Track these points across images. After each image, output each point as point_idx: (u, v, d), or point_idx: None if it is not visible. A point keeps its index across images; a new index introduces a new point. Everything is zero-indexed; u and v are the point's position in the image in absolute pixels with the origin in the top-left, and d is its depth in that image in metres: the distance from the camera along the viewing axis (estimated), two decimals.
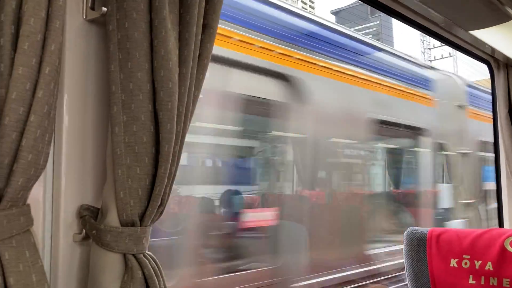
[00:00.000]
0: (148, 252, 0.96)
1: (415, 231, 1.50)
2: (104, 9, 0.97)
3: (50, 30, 0.82)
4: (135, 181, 0.93)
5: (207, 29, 1.07)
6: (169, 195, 0.99)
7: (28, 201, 0.84)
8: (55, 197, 0.96)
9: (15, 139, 0.78)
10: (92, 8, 1.00)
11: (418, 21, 2.03)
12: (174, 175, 1.00)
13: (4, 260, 0.77)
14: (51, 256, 0.95)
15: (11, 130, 0.77)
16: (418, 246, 1.47)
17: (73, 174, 0.98)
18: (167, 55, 0.95)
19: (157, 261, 0.97)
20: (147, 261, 0.93)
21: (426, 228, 1.51)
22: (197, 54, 1.04)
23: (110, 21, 0.96)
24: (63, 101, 0.97)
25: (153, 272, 0.93)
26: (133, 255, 0.92)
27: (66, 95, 0.97)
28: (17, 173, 0.78)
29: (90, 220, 0.95)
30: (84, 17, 1.01)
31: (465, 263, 1.40)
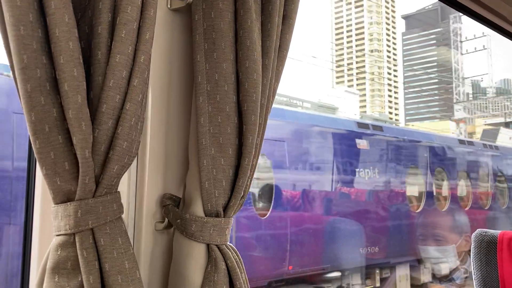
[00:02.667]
0: (230, 244, 0.96)
1: (484, 233, 1.45)
2: None
3: (145, 18, 0.82)
4: (220, 172, 0.92)
5: (287, 19, 1.06)
6: (249, 187, 0.99)
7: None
8: (139, 185, 0.97)
9: (111, 126, 0.79)
10: None
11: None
12: (255, 167, 0.99)
13: (100, 246, 0.78)
14: (133, 244, 0.96)
15: (107, 118, 0.78)
16: (488, 249, 1.42)
17: (157, 163, 0.98)
18: (252, 46, 0.94)
19: (238, 253, 0.96)
20: (230, 253, 0.93)
21: (496, 230, 1.45)
22: (278, 46, 1.03)
23: (196, 11, 0.96)
24: (148, 90, 0.97)
25: (236, 264, 0.92)
26: (216, 245, 0.92)
27: (151, 85, 0.98)
28: (113, 160, 0.79)
29: (173, 209, 0.95)
30: (169, 6, 1.01)
31: None
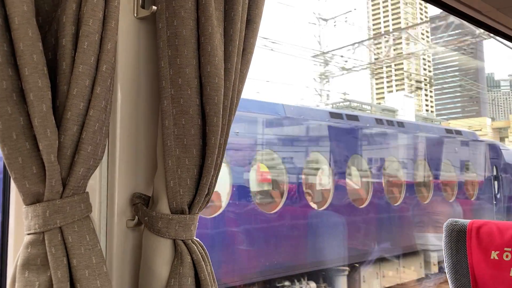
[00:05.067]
0: (196, 239, 1.01)
1: (455, 223, 1.50)
2: (154, 7, 1.02)
3: (106, 30, 0.88)
4: (184, 171, 0.98)
5: (251, 24, 1.11)
6: (215, 185, 1.04)
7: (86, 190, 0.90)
8: (110, 185, 1.03)
9: (76, 132, 0.84)
10: (143, 7, 1.06)
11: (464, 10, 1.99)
12: (220, 166, 1.04)
13: (68, 243, 0.84)
14: (106, 241, 1.02)
15: (72, 124, 0.84)
16: (458, 238, 1.47)
17: (126, 164, 1.04)
18: (213, 51, 0.99)
19: (204, 247, 1.02)
20: (195, 247, 0.99)
21: (466, 220, 1.50)
22: (241, 49, 1.08)
23: (160, 19, 1.01)
24: (117, 96, 1.03)
25: (201, 257, 0.98)
26: (182, 241, 0.98)
27: (120, 90, 1.03)
28: (78, 163, 0.85)
29: (142, 207, 1.01)
30: (135, 15, 1.06)
31: (507, 256, 1.39)
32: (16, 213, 0.95)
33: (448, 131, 10.13)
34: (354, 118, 7.45)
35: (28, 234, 0.84)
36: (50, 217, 0.83)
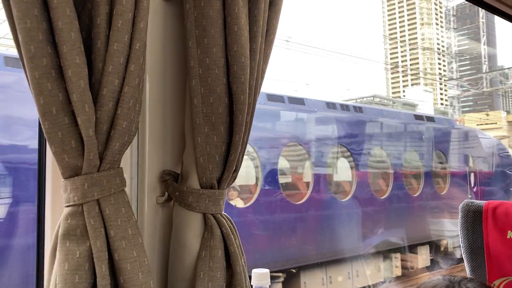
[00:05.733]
0: (225, 213, 1.05)
1: (471, 204, 1.52)
2: None
3: (139, 9, 0.91)
4: (213, 148, 1.01)
5: (273, 6, 1.14)
6: (241, 161, 1.07)
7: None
8: (140, 162, 1.06)
9: (112, 108, 0.88)
10: None
11: None
12: (246, 143, 1.08)
13: (105, 215, 0.87)
14: (137, 216, 1.05)
15: (108, 100, 0.87)
16: (474, 218, 1.50)
17: (156, 142, 1.08)
18: (240, 31, 1.01)
19: (233, 221, 1.05)
20: (224, 221, 1.02)
21: (482, 201, 1.53)
22: (265, 30, 1.10)
23: (187, 1, 1.04)
24: (146, 75, 1.06)
25: (230, 231, 1.02)
26: (212, 214, 1.01)
27: (148, 70, 1.06)
28: (114, 138, 0.88)
29: (172, 183, 1.05)
30: None
31: None
32: (53, 187, 0.98)
33: (418, 117, 9.24)
34: (300, 102, 7.05)
35: (67, 206, 0.87)
36: (88, 190, 0.86)
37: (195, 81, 1.02)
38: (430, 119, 9.50)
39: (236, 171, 1.07)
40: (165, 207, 1.08)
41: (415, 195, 8.32)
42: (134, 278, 0.86)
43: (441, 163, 9.33)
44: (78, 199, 0.86)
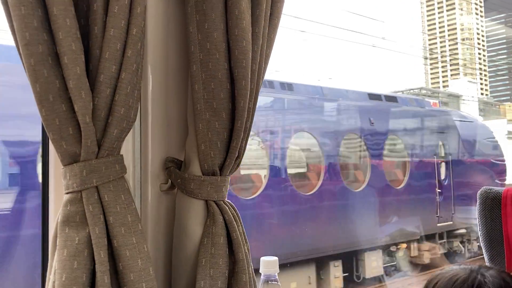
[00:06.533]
0: (227, 200, 1.03)
1: (489, 191, 1.46)
2: None
3: None
4: (215, 135, 1.00)
5: None
6: (245, 148, 1.06)
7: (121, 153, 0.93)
8: (143, 150, 1.06)
9: (109, 94, 0.87)
10: None
11: None
12: (249, 129, 1.06)
13: (105, 202, 0.87)
14: (141, 203, 1.05)
15: (105, 86, 0.86)
16: (492, 206, 1.44)
17: (158, 129, 1.07)
18: (240, 15, 0.99)
19: (236, 208, 1.04)
20: (227, 208, 1.01)
21: (500, 188, 1.47)
22: (269, 14, 1.08)
23: None
24: (147, 61, 1.05)
25: (232, 217, 1.00)
26: (214, 201, 1.00)
27: (150, 55, 1.05)
28: (112, 125, 0.88)
29: (175, 170, 1.04)
30: None
31: None
32: (55, 174, 0.99)
33: (374, 96, 7.90)
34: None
35: (67, 193, 0.87)
36: (87, 177, 0.86)
37: (196, 67, 1.00)
38: (391, 99, 8.27)
39: (239, 157, 1.05)
40: (169, 194, 1.08)
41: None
42: (133, 265, 0.86)
43: (392, 151, 8.07)
44: (77, 186, 0.86)
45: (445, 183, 8.63)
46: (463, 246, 9.42)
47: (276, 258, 1.22)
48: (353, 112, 7.61)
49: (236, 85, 1.00)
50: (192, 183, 1.00)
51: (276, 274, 1.22)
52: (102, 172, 0.88)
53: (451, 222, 8.86)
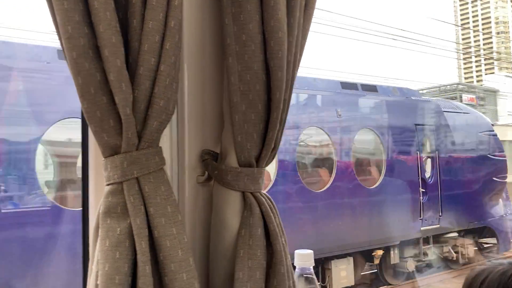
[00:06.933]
0: (264, 192, 1.03)
1: None
2: None
3: None
4: (251, 126, 1.00)
5: None
6: (280, 139, 1.05)
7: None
8: (180, 142, 1.07)
9: (149, 86, 0.88)
10: None
11: None
12: (285, 121, 1.05)
13: (145, 193, 0.88)
14: (178, 195, 1.06)
15: (145, 79, 0.87)
16: None
17: (195, 121, 1.08)
18: (276, 5, 0.99)
19: (272, 200, 1.04)
20: (264, 199, 1.01)
21: None
22: (304, 4, 1.07)
23: None
24: (183, 54, 1.06)
25: (269, 209, 1.00)
26: (251, 193, 1.00)
27: (186, 48, 1.06)
28: (152, 117, 0.88)
29: (212, 162, 1.05)
30: None
31: None
32: (95, 166, 1.01)
33: (348, 85, 7.29)
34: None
35: (108, 184, 0.89)
36: (128, 168, 0.87)
37: (231, 59, 1.00)
38: (369, 88, 7.55)
39: (275, 149, 1.05)
40: (206, 186, 1.09)
41: None
42: (173, 255, 0.87)
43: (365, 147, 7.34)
44: (118, 177, 0.87)
45: (431, 182, 7.83)
46: (456, 252, 8.42)
47: (311, 251, 1.22)
48: (315, 102, 6.99)
49: (271, 76, 1.00)
50: (229, 175, 1.00)
51: (311, 267, 1.22)
52: (143, 163, 0.89)
53: (438, 225, 7.92)
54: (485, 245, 9.38)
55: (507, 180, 9.00)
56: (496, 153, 8.82)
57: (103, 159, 0.89)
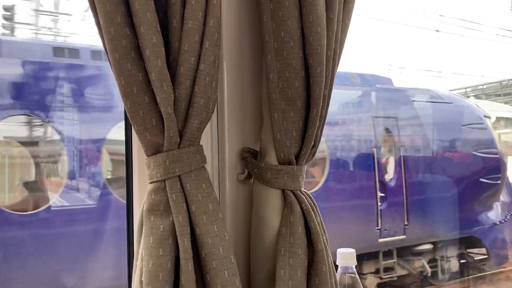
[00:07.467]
0: (304, 190, 1.02)
1: None
2: None
3: None
4: (290, 124, 0.99)
5: None
6: (320, 137, 1.04)
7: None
8: (220, 140, 1.08)
9: (189, 86, 0.89)
10: None
11: None
12: (325, 117, 1.04)
13: (187, 191, 0.89)
14: (219, 193, 1.07)
15: (185, 78, 0.88)
16: None
17: (234, 119, 1.08)
18: (314, 1, 0.97)
19: (313, 198, 1.03)
20: (304, 197, 1.00)
21: None
22: None
23: None
24: (222, 52, 1.06)
25: (310, 207, 0.99)
26: (291, 191, 1.00)
27: (224, 47, 1.06)
28: (193, 116, 0.89)
29: (251, 160, 1.05)
30: None
31: None
32: (138, 165, 1.03)
33: None
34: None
35: (151, 182, 0.90)
36: (170, 166, 0.89)
37: (270, 56, 1.00)
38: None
39: (315, 146, 1.04)
40: (245, 184, 1.09)
41: None
42: (215, 252, 0.88)
43: None
44: (160, 176, 0.89)
45: (392, 185, 6.46)
46: (433, 266, 6.90)
47: (353, 250, 1.20)
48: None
49: (311, 72, 0.99)
50: (269, 173, 1.00)
51: (354, 266, 1.20)
52: (184, 161, 0.90)
53: (404, 236, 6.48)
54: (478, 257, 7.40)
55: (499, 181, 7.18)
56: (485, 150, 7.12)
57: (146, 157, 0.91)
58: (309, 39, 0.98)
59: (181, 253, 0.85)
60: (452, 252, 6.95)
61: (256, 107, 1.10)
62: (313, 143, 1.02)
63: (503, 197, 7.43)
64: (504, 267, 7.39)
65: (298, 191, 1.00)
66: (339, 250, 1.21)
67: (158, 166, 0.89)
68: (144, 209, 0.89)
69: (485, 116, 7.36)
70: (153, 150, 0.90)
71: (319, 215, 1.01)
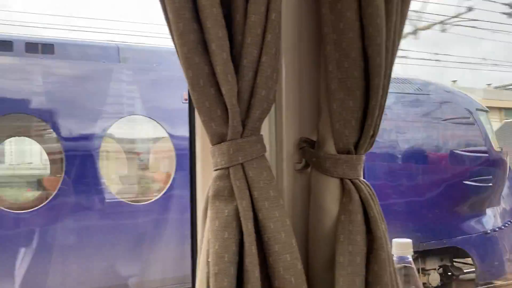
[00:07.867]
0: (363, 179, 1.04)
1: None
2: None
3: None
4: (349, 113, 1.01)
5: None
6: (379, 126, 1.05)
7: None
8: (278, 130, 1.11)
9: (252, 77, 0.92)
10: None
11: None
12: (383, 107, 1.05)
13: (249, 178, 0.93)
14: (277, 181, 1.10)
15: (248, 70, 0.92)
16: None
17: (292, 109, 1.11)
18: None
19: (371, 187, 1.04)
20: (363, 186, 1.02)
21: None
22: None
23: None
24: (281, 43, 1.09)
25: (368, 196, 1.01)
26: (349, 180, 1.02)
27: (283, 37, 1.09)
28: (255, 106, 0.93)
29: (309, 150, 1.07)
30: None
31: None
32: (202, 154, 1.08)
33: None
34: None
35: (216, 170, 0.95)
36: (233, 154, 0.93)
37: (329, 47, 1.02)
38: None
39: (374, 135, 1.05)
40: (303, 173, 1.12)
41: None
42: (277, 237, 0.91)
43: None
44: (225, 163, 0.93)
45: None
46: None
47: (409, 240, 1.21)
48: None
49: (370, 63, 1.00)
50: (328, 162, 1.02)
51: (410, 256, 1.21)
52: (247, 150, 0.94)
53: None
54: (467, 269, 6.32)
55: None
56: (472, 148, 5.97)
57: (211, 146, 0.95)
58: (369, 30, 0.99)
59: (245, 236, 0.89)
60: (431, 264, 5.93)
61: (313, 97, 1.12)
62: (372, 132, 1.03)
63: (505, 202, 6.41)
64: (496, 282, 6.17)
65: (357, 180, 1.02)
66: (395, 240, 1.21)
67: (222, 155, 0.93)
68: (209, 194, 0.94)
69: (477, 110, 6.13)
70: (217, 139, 0.94)
71: (377, 204, 1.03)
